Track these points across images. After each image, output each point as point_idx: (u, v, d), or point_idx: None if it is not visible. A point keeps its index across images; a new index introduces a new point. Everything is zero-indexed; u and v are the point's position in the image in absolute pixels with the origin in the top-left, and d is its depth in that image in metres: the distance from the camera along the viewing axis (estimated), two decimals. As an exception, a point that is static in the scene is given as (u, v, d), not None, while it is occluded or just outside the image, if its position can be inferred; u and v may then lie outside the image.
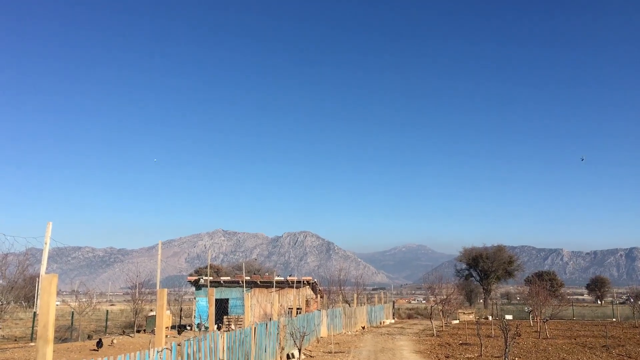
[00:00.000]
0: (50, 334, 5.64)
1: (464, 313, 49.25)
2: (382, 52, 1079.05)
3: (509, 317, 50.11)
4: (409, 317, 61.32)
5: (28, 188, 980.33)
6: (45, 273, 8.36)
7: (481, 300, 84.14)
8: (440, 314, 39.66)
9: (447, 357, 20.97)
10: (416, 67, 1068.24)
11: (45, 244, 8.39)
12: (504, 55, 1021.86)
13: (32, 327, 32.60)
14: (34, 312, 38.45)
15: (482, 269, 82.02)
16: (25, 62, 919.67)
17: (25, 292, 62.12)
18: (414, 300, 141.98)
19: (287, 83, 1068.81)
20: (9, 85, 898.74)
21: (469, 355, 21.07)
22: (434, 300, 40.38)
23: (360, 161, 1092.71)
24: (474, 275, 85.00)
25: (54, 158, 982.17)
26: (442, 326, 38.53)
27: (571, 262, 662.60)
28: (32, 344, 28.46)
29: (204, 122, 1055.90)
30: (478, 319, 49.63)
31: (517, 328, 20.39)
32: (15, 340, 31.40)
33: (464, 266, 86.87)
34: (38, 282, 52.16)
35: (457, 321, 46.53)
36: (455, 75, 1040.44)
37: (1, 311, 22.63)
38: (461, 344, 26.50)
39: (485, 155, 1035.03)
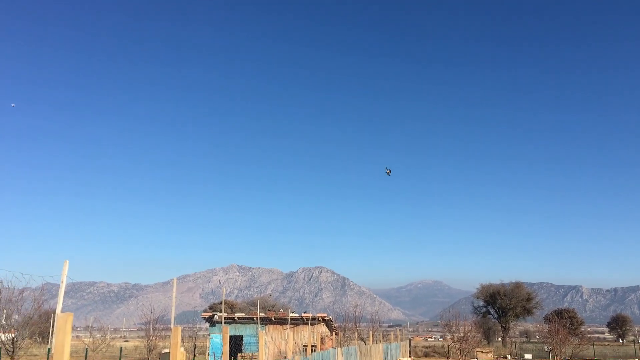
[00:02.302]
0: (65, 374, 5.64)
1: (482, 352, 48.31)
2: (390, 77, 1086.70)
3: (528, 356, 49.00)
4: (426, 355, 60.19)
5: (44, 222, 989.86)
6: (61, 311, 8.40)
7: (499, 339, 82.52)
8: (458, 352, 38.95)
9: (465, 397, 20.51)
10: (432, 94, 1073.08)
11: (62, 282, 8.43)
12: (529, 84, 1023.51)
13: (46, 364, 32.54)
14: (48, 349, 38.42)
15: (500, 306, 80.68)
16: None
17: (40, 328, 62.24)
18: (431, 337, 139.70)
19: (302, 110, 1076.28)
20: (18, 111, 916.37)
21: (488, 396, 20.59)
22: (451, 338, 39.75)
23: (376, 196, 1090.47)
24: (492, 312, 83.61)
25: (69, 193, 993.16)
26: (460, 365, 37.80)
27: (591, 300, 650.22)
28: (46, 380, 28.36)
29: (217, 154, 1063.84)
30: (496, 358, 48.64)
31: (536, 368, 19.97)
32: (29, 376, 31.34)
33: (481, 303, 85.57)
34: (53, 318, 52.08)
35: (475, 360, 45.62)
36: (469, 98, 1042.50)
37: (16, 347, 22.63)
38: (479, 384, 25.93)
39: (502, 190, 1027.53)
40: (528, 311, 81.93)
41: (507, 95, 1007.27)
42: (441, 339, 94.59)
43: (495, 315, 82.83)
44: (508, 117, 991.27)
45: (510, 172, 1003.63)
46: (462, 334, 39.13)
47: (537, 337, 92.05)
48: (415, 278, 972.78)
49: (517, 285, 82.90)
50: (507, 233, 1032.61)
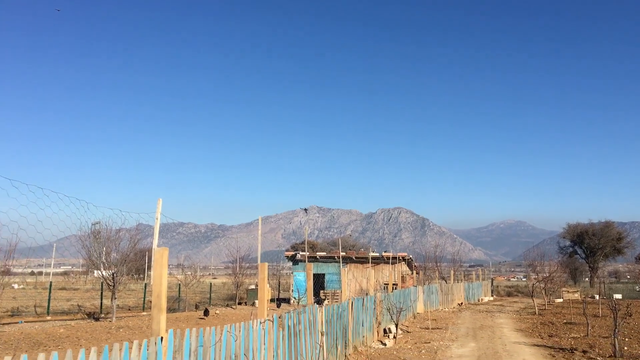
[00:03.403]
0: (163, 303, 5.97)
1: (568, 292, 47.21)
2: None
3: (617, 296, 47.35)
4: (509, 294, 59.59)
5: (135, 168, 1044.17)
6: (157, 246, 8.84)
7: (587, 279, 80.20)
8: (543, 292, 38.18)
9: (551, 336, 20.19)
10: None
11: (157, 219, 8.87)
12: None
13: (144, 298, 34.85)
14: (145, 284, 41.09)
15: (588, 246, 77.94)
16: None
17: (136, 265, 66.66)
18: (514, 277, 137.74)
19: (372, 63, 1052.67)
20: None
21: (575, 335, 20.16)
22: (535, 278, 38.90)
23: (455, 136, 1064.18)
24: (579, 252, 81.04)
25: (158, 141, 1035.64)
26: (545, 305, 37.11)
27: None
28: (144, 313, 30.46)
29: (301, 100, 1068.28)
30: (584, 297, 47.40)
31: (627, 308, 19.24)
32: (129, 309, 33.75)
33: (567, 243, 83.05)
34: (147, 255, 55.38)
35: (561, 300, 44.65)
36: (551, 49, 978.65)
37: (116, 282, 24.32)
38: (565, 323, 25.42)
39: (589, 127, 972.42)
40: (618, 251, 78.73)
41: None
42: (524, 279, 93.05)
43: (583, 256, 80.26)
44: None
45: (595, 112, 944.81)
46: (547, 274, 38.19)
47: (628, 277, 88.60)
48: (497, 218, 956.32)
49: (607, 225, 79.44)
50: (596, 171, 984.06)
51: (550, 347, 17.07)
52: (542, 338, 19.80)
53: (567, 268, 66.82)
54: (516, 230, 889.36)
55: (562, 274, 48.79)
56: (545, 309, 34.54)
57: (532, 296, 36.13)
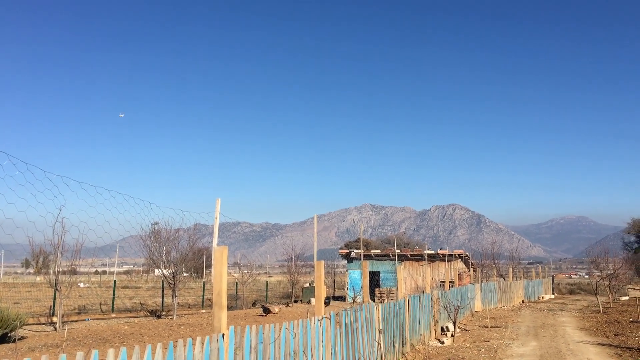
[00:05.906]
0: (224, 300, 6.10)
1: (634, 289, 45.43)
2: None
3: (688, 294, 45.21)
4: (571, 292, 57.77)
5: (191, 169, 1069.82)
6: (216, 245, 9.05)
7: (654, 276, 76.78)
8: (607, 289, 36.81)
9: (617, 334, 19.47)
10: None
11: (216, 218, 9.10)
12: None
13: (202, 296, 35.67)
14: (203, 282, 42.02)
15: (655, 241, 74.68)
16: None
17: (194, 264, 68.22)
18: (576, 275, 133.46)
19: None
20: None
21: (643, 335, 19.36)
22: (598, 275, 37.54)
23: (511, 130, 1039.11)
24: (645, 248, 77.68)
25: (212, 147, 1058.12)
26: (609, 303, 35.78)
27: None
28: (203, 310, 31.17)
29: (354, 97, 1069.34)
30: (651, 295, 45.49)
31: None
32: (189, 307, 34.59)
33: (632, 239, 79.76)
34: (205, 254, 56.71)
35: (627, 298, 42.96)
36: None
37: (176, 281, 24.97)
38: (632, 321, 24.41)
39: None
40: (688, 246, 75.13)
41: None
42: (587, 277, 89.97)
43: (650, 252, 76.89)
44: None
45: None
46: (611, 271, 36.81)
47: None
48: (557, 214, 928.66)
49: (675, 219, 75.89)
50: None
51: (616, 347, 16.48)
52: (607, 337, 19.13)
53: (632, 265, 64.18)
54: (577, 226, 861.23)
55: (628, 271, 46.86)
56: (609, 307, 33.30)
57: (595, 294, 34.94)
